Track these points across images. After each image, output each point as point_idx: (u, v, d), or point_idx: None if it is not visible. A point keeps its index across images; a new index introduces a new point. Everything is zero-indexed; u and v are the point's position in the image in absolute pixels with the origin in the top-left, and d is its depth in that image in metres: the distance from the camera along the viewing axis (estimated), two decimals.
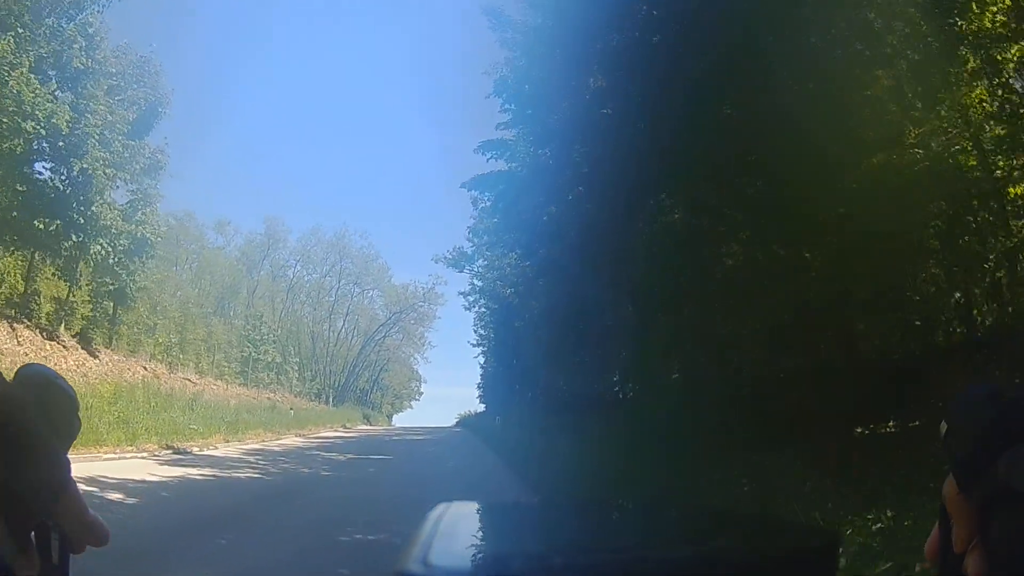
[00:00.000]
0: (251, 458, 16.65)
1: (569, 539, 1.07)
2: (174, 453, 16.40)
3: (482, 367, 54.13)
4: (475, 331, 50.98)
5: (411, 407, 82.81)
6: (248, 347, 40.46)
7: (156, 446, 16.57)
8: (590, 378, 16.97)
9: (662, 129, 8.59)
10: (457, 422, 71.59)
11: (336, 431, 36.08)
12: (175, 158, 29.78)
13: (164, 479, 11.22)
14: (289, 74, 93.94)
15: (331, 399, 50.31)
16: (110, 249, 20.69)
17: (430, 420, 73.85)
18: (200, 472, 12.66)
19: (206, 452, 17.75)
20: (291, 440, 25.69)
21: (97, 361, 21.88)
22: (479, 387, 59.33)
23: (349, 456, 18.57)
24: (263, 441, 23.65)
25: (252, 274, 51.02)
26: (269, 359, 41.13)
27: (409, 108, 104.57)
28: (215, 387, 31.14)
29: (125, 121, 21.26)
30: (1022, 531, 0.65)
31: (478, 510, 1.22)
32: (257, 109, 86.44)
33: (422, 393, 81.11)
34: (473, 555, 0.89)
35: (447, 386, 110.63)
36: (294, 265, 53.80)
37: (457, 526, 0.95)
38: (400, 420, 78.43)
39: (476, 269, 34.53)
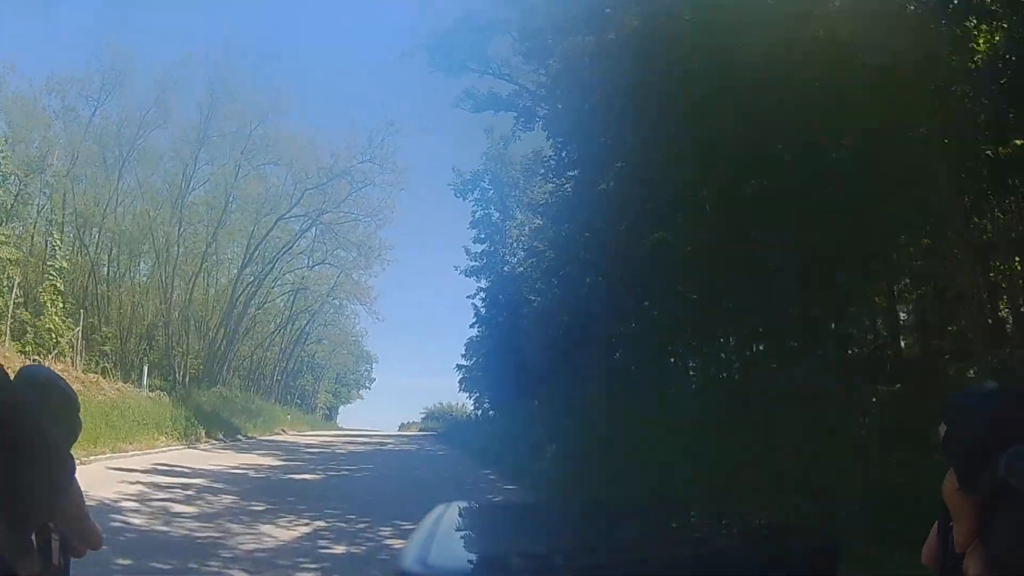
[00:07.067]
0: None
1: (568, 539, 1.06)
2: None
3: (479, 308, 28.88)
4: (476, 228, 26.03)
5: (361, 397, 58.59)
6: None
7: None
8: None
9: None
10: (425, 418, 47.36)
11: None
12: None
13: None
14: None
15: (180, 383, 24.47)
16: None
17: (386, 421, 50.24)
18: None
19: None
20: None
21: None
22: (462, 368, 32.68)
23: None
24: None
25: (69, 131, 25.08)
26: None
27: None
28: None
29: None
30: (1022, 530, 0.64)
31: (478, 510, 1.32)
32: None
33: (373, 379, 56.80)
34: (473, 555, 0.91)
35: (399, 375, 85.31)
36: (140, 120, 27.53)
37: (457, 526, 0.97)
38: (347, 418, 54.54)
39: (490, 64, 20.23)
